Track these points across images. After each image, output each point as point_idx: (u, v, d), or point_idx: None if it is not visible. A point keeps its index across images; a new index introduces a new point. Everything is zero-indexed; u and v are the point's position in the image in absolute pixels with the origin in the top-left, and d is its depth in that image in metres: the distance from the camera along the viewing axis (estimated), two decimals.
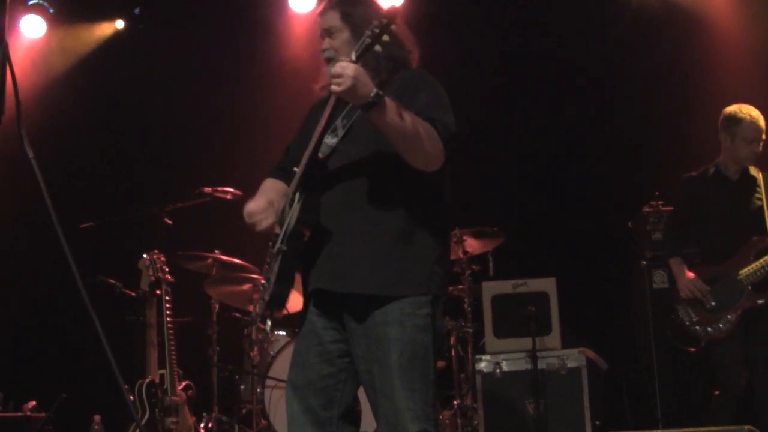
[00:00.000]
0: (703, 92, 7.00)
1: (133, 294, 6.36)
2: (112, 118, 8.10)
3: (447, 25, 7.44)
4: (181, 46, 8.02)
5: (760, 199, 5.44)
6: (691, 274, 5.47)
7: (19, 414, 6.58)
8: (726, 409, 5.25)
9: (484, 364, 5.97)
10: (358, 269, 3.20)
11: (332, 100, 3.22)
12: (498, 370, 5.92)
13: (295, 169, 3.35)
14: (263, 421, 6.33)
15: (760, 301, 5.29)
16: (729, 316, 5.33)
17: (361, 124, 3.25)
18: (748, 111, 5.45)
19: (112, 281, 6.46)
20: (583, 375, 5.79)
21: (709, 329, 5.40)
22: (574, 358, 5.84)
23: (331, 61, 3.32)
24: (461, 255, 6.50)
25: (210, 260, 6.68)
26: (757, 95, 6.33)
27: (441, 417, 6.20)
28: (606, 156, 7.40)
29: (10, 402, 6.73)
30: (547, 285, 6.04)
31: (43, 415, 6.61)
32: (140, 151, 8.17)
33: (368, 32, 3.04)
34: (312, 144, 3.27)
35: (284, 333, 6.61)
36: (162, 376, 5.99)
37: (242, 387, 6.64)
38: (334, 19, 3.41)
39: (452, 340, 6.48)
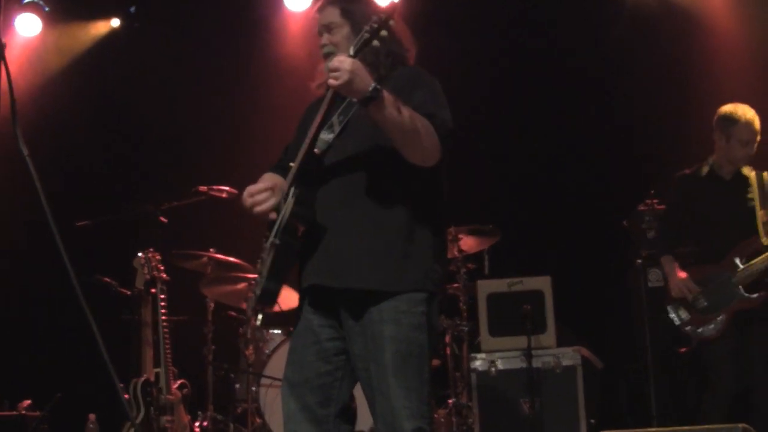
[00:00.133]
0: (700, 91, 7.01)
1: (129, 293, 6.36)
2: (108, 116, 8.10)
3: (444, 23, 7.44)
4: (177, 45, 8.02)
5: (753, 200, 5.43)
6: (682, 274, 5.45)
7: (15, 413, 6.58)
8: (718, 410, 5.22)
9: (479, 363, 5.97)
10: (355, 265, 3.20)
11: (329, 95, 3.21)
12: (493, 369, 5.93)
13: (291, 164, 3.35)
14: (258, 420, 6.34)
15: (752, 303, 5.29)
16: (720, 318, 5.32)
17: (358, 120, 3.25)
18: (744, 112, 5.40)
19: (108, 280, 6.45)
20: (578, 373, 5.80)
21: (699, 330, 5.39)
22: (569, 356, 5.85)
23: (330, 56, 3.33)
24: (457, 253, 6.50)
25: (205, 259, 6.67)
26: (753, 94, 6.33)
27: (436, 415, 6.21)
28: (602, 154, 7.40)
29: (6, 401, 6.73)
30: (542, 283, 6.04)
31: (38, 413, 6.62)
32: (136, 149, 8.16)
33: (366, 27, 3.06)
34: (308, 139, 3.27)
35: (279, 331, 6.61)
36: (157, 375, 5.99)
37: (237, 386, 6.63)
38: (334, 15, 3.42)
39: (447, 339, 6.48)
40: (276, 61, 8.01)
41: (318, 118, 3.25)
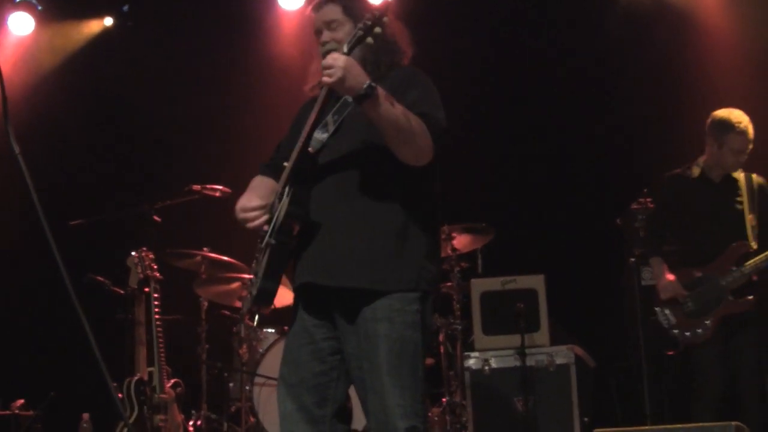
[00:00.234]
0: (693, 90, 7.01)
1: (122, 292, 6.34)
2: (101, 115, 8.08)
3: (437, 21, 7.43)
4: (170, 44, 8.01)
5: (742, 203, 5.42)
6: (671, 276, 5.43)
7: (8, 412, 6.57)
8: (706, 413, 5.21)
9: (472, 361, 5.98)
10: (349, 264, 3.20)
11: (323, 93, 3.21)
12: (487, 367, 5.93)
13: (285, 163, 3.34)
14: (252, 419, 6.34)
15: (740, 307, 5.28)
16: (707, 321, 5.30)
17: (353, 120, 3.25)
18: (739, 120, 5.31)
19: (101, 279, 6.44)
20: (572, 372, 5.81)
21: (687, 333, 5.37)
22: (563, 354, 5.86)
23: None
24: (450, 252, 6.50)
25: (199, 258, 6.67)
26: (747, 93, 6.36)
27: (430, 414, 6.21)
28: (595, 153, 7.41)
29: None
30: (535, 282, 6.05)
31: (31, 413, 6.61)
32: (129, 148, 8.15)
33: (360, 24, 3.07)
34: (302, 138, 3.26)
35: (273, 330, 6.61)
36: (151, 374, 5.98)
37: (231, 385, 6.63)
38: (335, 12, 3.41)
39: (441, 337, 6.48)
40: (269, 59, 8.01)
41: (312, 117, 3.25)
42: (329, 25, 3.42)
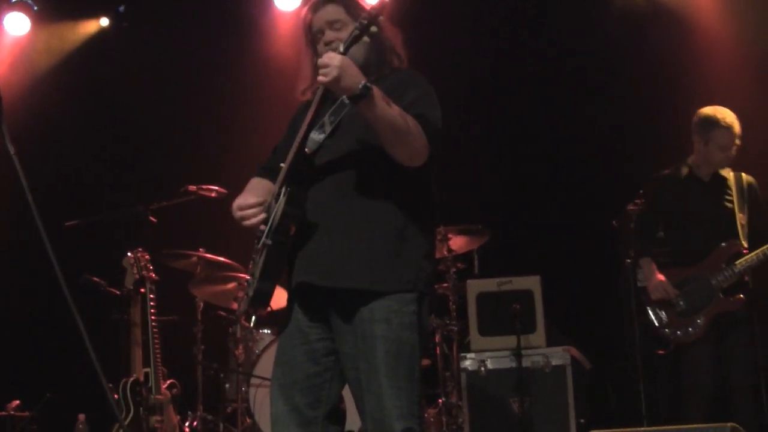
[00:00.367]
0: (689, 91, 7.01)
1: (118, 292, 6.34)
2: (97, 115, 8.08)
3: (432, 21, 7.43)
4: (166, 44, 8.01)
5: (731, 201, 5.43)
6: (661, 276, 5.44)
7: (3, 413, 6.56)
8: (699, 413, 5.21)
9: (469, 362, 5.97)
10: (346, 264, 3.19)
11: (319, 93, 3.21)
12: (483, 368, 5.93)
13: (282, 164, 3.34)
14: (248, 420, 6.33)
15: (731, 306, 5.29)
16: (699, 320, 5.31)
17: (350, 121, 3.25)
18: (723, 116, 5.33)
19: (97, 279, 6.44)
20: (568, 373, 5.81)
21: (678, 332, 5.37)
22: (559, 356, 5.85)
23: None
24: (446, 253, 6.50)
25: (195, 258, 6.67)
26: (742, 93, 6.36)
27: (426, 415, 6.21)
28: (591, 154, 7.41)
29: None
30: (531, 283, 6.05)
31: (27, 414, 6.61)
32: (125, 149, 8.14)
33: (356, 24, 3.08)
34: (298, 138, 3.25)
35: (269, 331, 6.60)
36: (146, 375, 5.98)
37: (227, 385, 6.62)
38: (338, 12, 3.41)
39: (437, 338, 6.48)
40: (265, 60, 8.00)
41: (308, 117, 3.24)
42: (332, 25, 3.40)
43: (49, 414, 6.65)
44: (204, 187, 6.51)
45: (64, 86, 8.02)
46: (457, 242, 6.61)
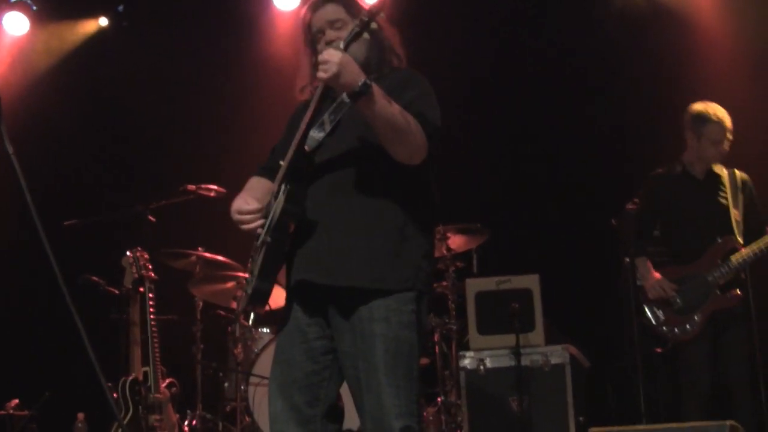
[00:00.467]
0: (689, 90, 6.98)
1: (117, 292, 6.34)
2: (96, 115, 8.08)
3: (432, 21, 7.44)
4: (165, 44, 8.01)
5: (726, 198, 5.44)
6: (657, 275, 5.45)
7: (2, 412, 6.56)
8: (697, 411, 5.21)
9: (467, 361, 5.97)
10: (346, 263, 3.19)
11: (319, 90, 3.20)
12: (482, 367, 5.93)
13: (281, 162, 3.33)
14: (247, 419, 6.33)
15: (727, 302, 5.29)
16: (696, 318, 5.32)
17: (350, 119, 3.24)
18: (715, 111, 5.38)
19: (96, 279, 6.44)
20: (567, 371, 5.81)
21: (676, 330, 5.39)
22: (558, 354, 5.85)
23: None
24: (445, 252, 6.51)
25: (193, 258, 6.67)
26: (742, 94, 6.36)
27: (425, 413, 6.21)
28: (590, 153, 7.41)
29: None
30: (530, 282, 6.05)
31: (26, 413, 6.61)
32: (124, 148, 8.15)
33: (356, 21, 3.08)
34: (298, 136, 3.25)
35: (268, 330, 6.60)
36: (146, 374, 5.98)
37: (226, 384, 6.63)
38: (339, 11, 3.41)
39: (436, 337, 6.48)
40: (264, 59, 8.01)
41: (308, 114, 3.23)
42: (333, 24, 3.40)
43: (48, 413, 6.65)
44: (203, 186, 6.51)
45: (63, 86, 8.03)
46: (456, 241, 6.62)
